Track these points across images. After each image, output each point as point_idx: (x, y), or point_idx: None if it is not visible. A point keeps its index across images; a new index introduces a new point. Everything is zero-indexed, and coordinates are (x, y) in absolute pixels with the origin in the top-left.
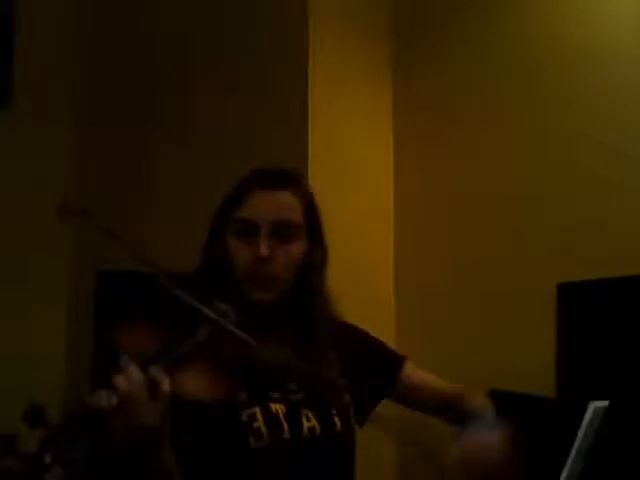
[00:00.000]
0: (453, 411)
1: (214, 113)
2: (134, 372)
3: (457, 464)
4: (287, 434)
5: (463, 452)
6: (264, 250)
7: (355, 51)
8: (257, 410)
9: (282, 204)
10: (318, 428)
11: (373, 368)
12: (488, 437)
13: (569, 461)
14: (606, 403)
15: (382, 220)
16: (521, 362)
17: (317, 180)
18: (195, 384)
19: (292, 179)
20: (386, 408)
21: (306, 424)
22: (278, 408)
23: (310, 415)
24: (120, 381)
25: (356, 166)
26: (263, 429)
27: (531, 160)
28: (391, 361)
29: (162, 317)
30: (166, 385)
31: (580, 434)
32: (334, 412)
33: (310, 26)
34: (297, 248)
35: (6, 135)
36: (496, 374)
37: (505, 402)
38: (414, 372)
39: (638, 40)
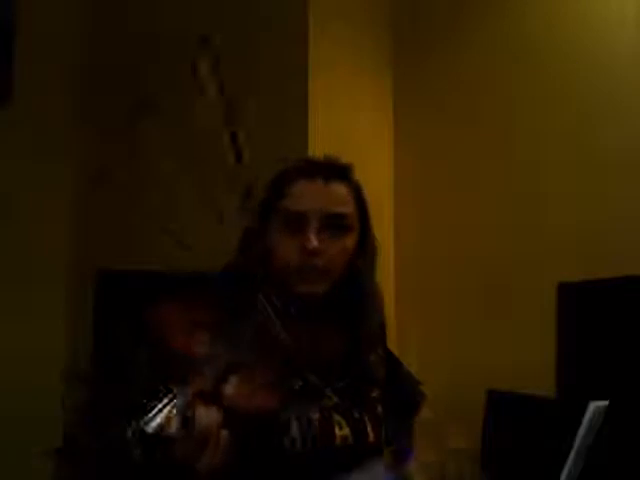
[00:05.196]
0: None
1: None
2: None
3: None
4: (319, 443)
5: None
6: (314, 242)
7: (355, 51)
8: (292, 417)
9: (332, 195)
10: (350, 437)
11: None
12: None
13: (569, 461)
14: (606, 403)
15: (382, 220)
16: (521, 362)
17: None
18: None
19: (342, 170)
20: None
21: (339, 432)
22: (313, 415)
23: (343, 423)
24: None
25: (356, 166)
26: (297, 437)
27: (531, 160)
28: (408, 414)
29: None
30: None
31: (580, 434)
32: (367, 422)
33: (310, 26)
34: (348, 241)
35: (6, 135)
36: (496, 374)
37: (505, 402)
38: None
39: (638, 40)
